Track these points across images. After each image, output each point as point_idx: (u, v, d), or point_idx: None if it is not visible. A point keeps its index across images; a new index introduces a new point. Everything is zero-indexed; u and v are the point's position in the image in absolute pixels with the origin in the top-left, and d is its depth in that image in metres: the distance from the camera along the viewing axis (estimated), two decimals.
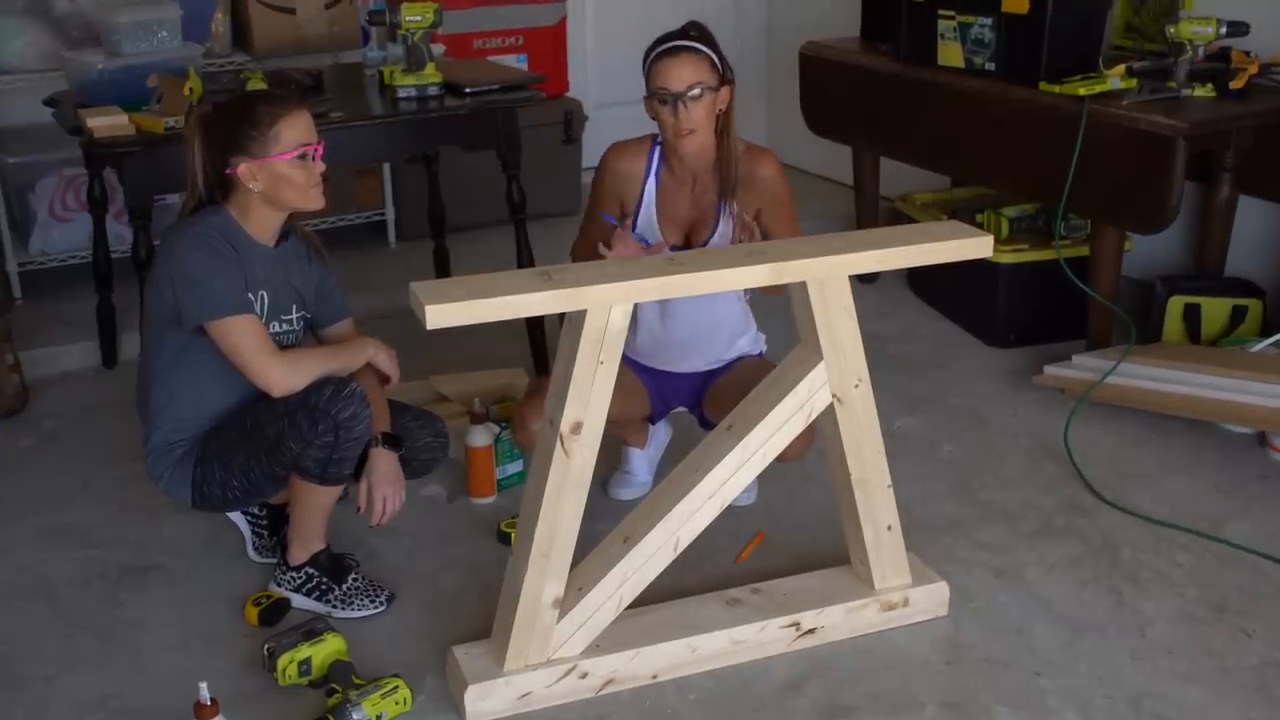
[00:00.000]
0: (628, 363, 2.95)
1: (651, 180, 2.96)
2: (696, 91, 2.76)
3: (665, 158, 2.95)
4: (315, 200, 2.64)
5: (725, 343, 3.05)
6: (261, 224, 2.65)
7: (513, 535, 2.79)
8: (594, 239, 2.84)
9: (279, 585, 2.74)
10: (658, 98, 2.80)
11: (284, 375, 2.56)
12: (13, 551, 2.93)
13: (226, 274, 2.56)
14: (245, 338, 2.55)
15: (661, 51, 2.80)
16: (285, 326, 2.74)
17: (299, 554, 2.71)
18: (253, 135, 2.54)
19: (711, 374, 3.05)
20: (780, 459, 2.57)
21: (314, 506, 2.68)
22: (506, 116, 3.59)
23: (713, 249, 2.83)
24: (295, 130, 2.57)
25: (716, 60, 2.82)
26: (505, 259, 3.84)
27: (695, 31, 2.85)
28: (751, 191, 2.89)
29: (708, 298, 2.83)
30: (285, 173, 2.57)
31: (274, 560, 2.82)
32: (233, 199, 2.63)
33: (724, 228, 2.91)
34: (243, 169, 2.55)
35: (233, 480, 2.64)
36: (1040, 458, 3.35)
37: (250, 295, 2.62)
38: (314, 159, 2.61)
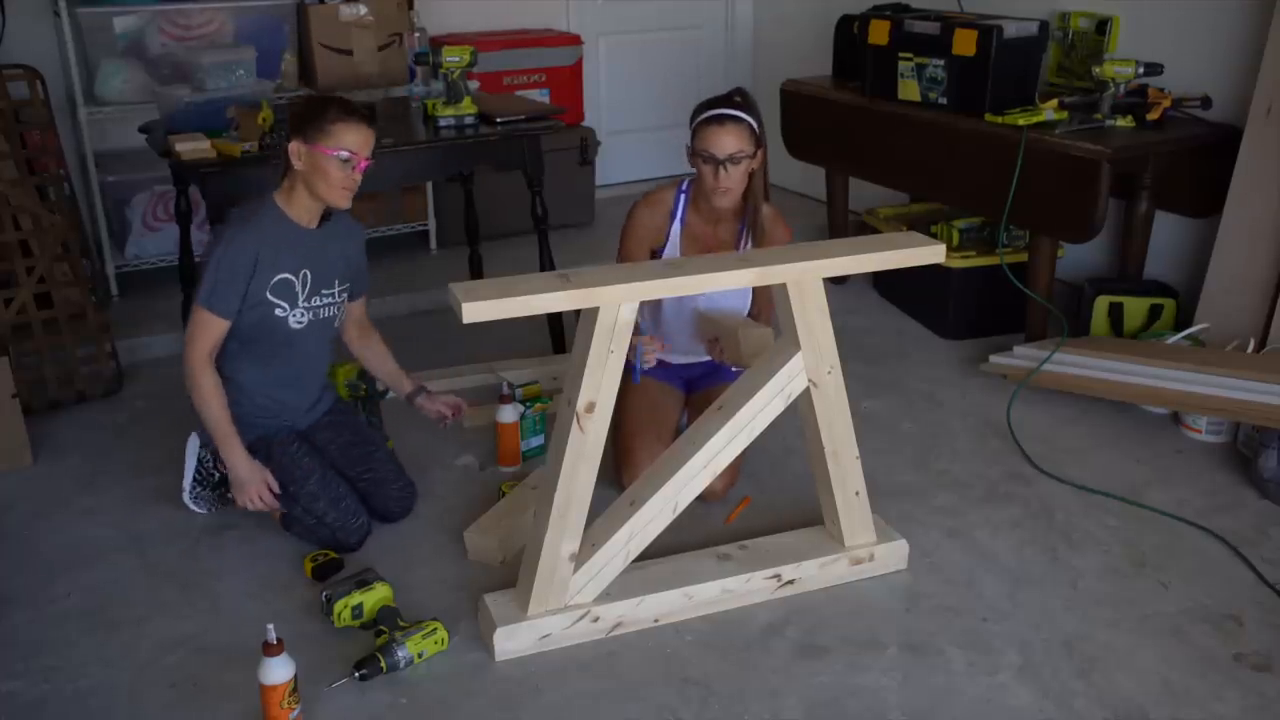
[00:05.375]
0: (661, 377, 3.02)
1: (677, 224, 2.92)
2: (737, 159, 2.70)
3: (694, 198, 2.90)
4: (341, 200, 2.60)
5: None
6: (302, 208, 2.63)
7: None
8: (629, 258, 2.90)
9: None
10: (702, 157, 2.73)
11: (192, 380, 2.62)
12: (107, 512, 2.89)
13: (234, 281, 2.58)
14: (205, 334, 2.61)
15: (710, 117, 2.71)
16: (327, 299, 2.75)
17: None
18: (313, 123, 2.53)
19: (705, 376, 3.10)
20: (705, 496, 2.61)
21: None
22: (531, 142, 3.57)
23: (709, 256, 2.78)
24: (348, 136, 2.53)
25: (756, 127, 2.73)
26: (530, 263, 3.84)
27: (739, 98, 2.75)
28: (763, 243, 2.86)
29: (721, 297, 2.78)
30: (324, 165, 2.54)
31: (203, 510, 2.88)
32: (287, 176, 2.62)
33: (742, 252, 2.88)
34: (293, 146, 2.54)
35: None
36: (986, 434, 3.30)
37: (289, 275, 2.62)
38: (355, 168, 2.56)
